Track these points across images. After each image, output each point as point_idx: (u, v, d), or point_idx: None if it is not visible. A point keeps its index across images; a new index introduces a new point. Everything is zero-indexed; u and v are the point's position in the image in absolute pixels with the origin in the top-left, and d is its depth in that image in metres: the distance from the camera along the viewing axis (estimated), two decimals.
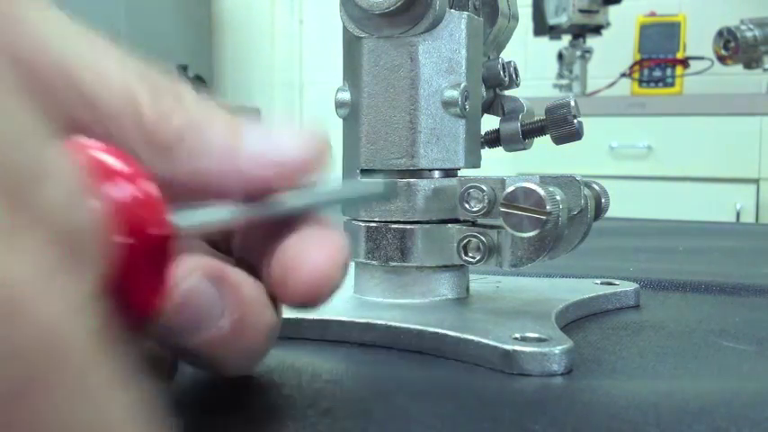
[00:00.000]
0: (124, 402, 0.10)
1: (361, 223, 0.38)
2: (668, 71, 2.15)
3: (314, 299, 0.20)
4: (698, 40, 2.12)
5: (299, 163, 0.20)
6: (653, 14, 2.21)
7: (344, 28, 0.38)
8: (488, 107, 0.42)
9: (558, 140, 0.40)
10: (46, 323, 0.09)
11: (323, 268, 0.20)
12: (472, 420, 0.24)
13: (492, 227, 0.37)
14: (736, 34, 1.97)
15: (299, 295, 0.20)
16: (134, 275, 0.16)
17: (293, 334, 0.34)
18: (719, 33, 2.02)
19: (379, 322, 0.33)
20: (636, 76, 2.17)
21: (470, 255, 0.36)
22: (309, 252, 0.20)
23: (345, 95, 0.38)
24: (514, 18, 0.43)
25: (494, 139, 0.41)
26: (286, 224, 0.21)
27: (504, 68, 0.41)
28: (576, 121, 0.39)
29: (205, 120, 0.20)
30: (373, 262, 0.37)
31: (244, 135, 0.20)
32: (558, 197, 0.33)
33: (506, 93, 0.42)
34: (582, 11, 2.06)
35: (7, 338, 0.08)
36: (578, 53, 2.19)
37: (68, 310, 0.09)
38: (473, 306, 0.37)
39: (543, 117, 0.40)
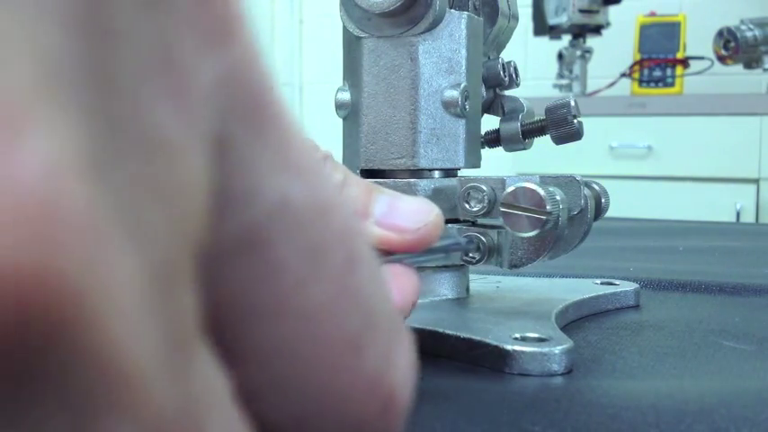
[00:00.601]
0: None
1: None
2: (668, 71, 2.14)
3: None
4: (698, 40, 2.12)
5: (418, 233, 0.23)
6: (653, 14, 2.21)
7: (344, 28, 0.38)
8: (488, 107, 0.42)
9: (558, 140, 0.40)
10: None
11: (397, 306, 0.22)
12: (472, 421, 0.24)
13: (492, 227, 0.37)
14: (736, 34, 1.97)
15: None
16: None
17: None
18: (719, 33, 2.02)
19: None
20: (636, 76, 2.17)
21: (470, 255, 0.36)
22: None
23: (345, 95, 0.38)
24: (514, 18, 0.43)
25: (494, 139, 0.41)
26: None
27: (504, 68, 0.41)
28: (575, 121, 0.39)
29: (344, 182, 0.23)
30: None
31: (375, 200, 0.23)
32: (558, 197, 0.33)
33: (506, 93, 0.42)
34: (582, 11, 2.05)
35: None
36: (578, 53, 2.18)
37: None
38: (473, 306, 0.37)
39: (543, 117, 0.40)
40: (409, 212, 0.23)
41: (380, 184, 0.36)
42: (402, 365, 0.15)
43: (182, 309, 0.10)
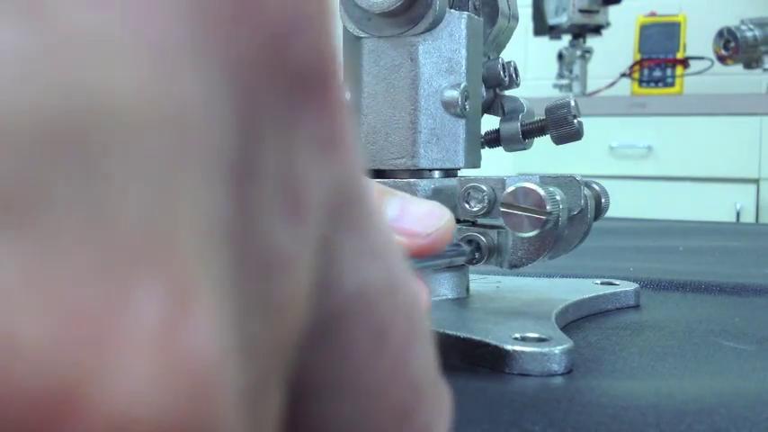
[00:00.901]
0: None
1: None
2: (668, 71, 2.14)
3: None
4: (698, 40, 2.12)
5: (429, 238, 0.22)
6: (653, 14, 2.21)
7: (344, 28, 0.38)
8: (488, 107, 0.42)
9: (558, 140, 0.40)
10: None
11: None
12: (472, 421, 0.24)
13: (492, 227, 0.37)
14: (736, 34, 1.97)
15: None
16: None
17: None
18: (719, 33, 2.02)
19: None
20: (636, 76, 2.17)
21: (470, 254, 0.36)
22: None
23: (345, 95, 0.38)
24: (514, 18, 0.43)
25: (494, 139, 0.41)
26: None
27: (504, 68, 0.41)
28: (576, 121, 0.39)
29: None
30: None
31: (386, 203, 0.22)
32: (558, 197, 0.33)
33: (506, 93, 0.42)
34: (582, 11, 2.05)
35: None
36: (578, 53, 2.18)
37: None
38: (473, 306, 0.37)
39: (543, 117, 0.40)
40: (421, 216, 0.22)
41: (380, 184, 0.36)
42: (442, 427, 0.15)
43: (270, 408, 0.10)
